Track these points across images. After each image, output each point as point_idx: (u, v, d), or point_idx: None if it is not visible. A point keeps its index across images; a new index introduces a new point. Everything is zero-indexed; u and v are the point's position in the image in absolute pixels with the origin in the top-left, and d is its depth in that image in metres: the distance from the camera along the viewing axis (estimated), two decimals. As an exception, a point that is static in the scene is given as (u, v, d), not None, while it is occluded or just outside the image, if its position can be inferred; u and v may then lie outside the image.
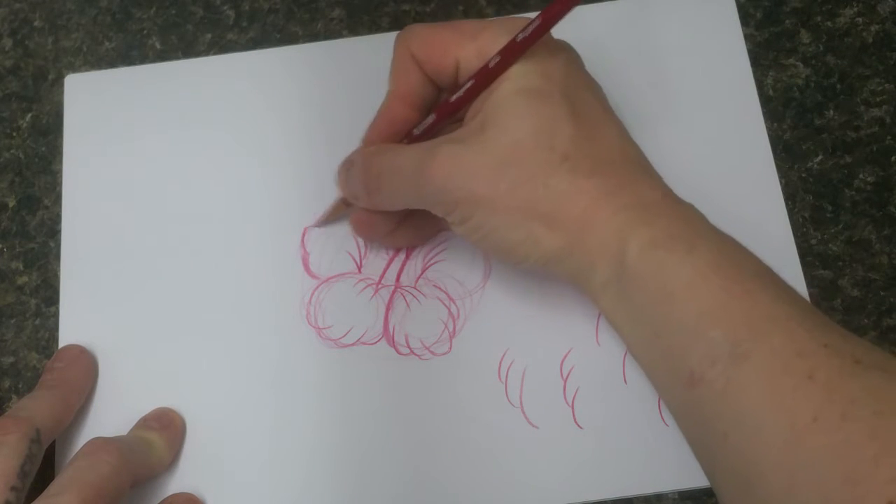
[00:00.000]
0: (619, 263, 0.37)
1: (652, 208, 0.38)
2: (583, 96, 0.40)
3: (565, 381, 0.46)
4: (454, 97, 0.41)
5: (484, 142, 0.39)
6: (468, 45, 0.41)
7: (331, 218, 0.49)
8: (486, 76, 0.40)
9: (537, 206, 0.38)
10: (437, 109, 0.42)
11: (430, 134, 0.43)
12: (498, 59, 0.39)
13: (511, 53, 0.39)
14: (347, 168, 0.45)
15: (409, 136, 0.44)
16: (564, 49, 0.42)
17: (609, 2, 0.52)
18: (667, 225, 0.37)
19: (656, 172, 0.41)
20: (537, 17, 0.38)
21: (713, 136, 0.49)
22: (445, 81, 0.43)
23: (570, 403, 0.45)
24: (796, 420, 0.32)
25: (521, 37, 0.38)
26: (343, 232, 0.49)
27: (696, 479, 0.43)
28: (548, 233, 0.39)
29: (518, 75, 0.39)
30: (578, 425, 0.45)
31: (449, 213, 0.41)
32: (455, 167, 0.39)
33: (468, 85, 0.41)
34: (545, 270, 0.40)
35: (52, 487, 0.40)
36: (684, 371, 0.35)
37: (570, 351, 0.46)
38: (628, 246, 0.37)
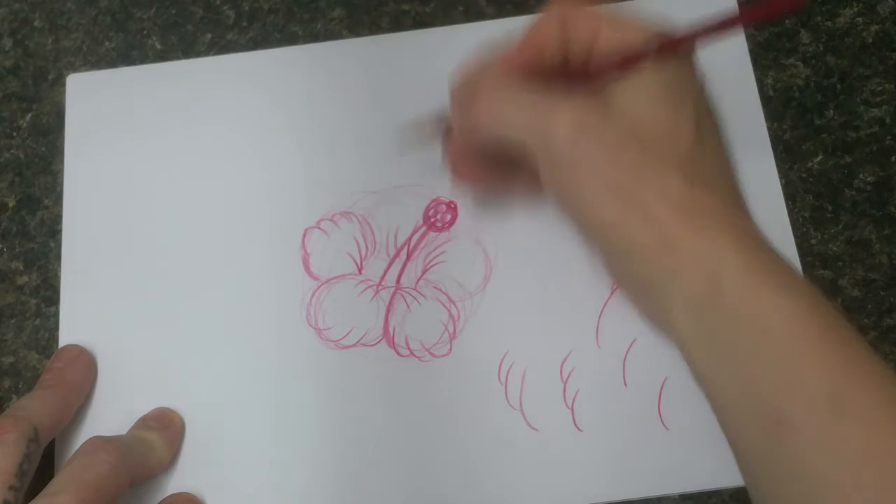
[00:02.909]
0: (712, 285, 0.36)
1: (750, 239, 0.37)
2: (709, 116, 0.40)
3: (565, 384, 0.46)
4: (596, 61, 0.40)
5: (615, 112, 0.38)
6: (613, 27, 0.40)
7: (416, 142, 0.48)
8: (634, 59, 0.39)
9: (644, 195, 0.37)
10: (661, 42, 0.40)
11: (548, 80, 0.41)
12: (655, 48, 0.39)
13: (669, 47, 0.39)
14: (464, 84, 0.43)
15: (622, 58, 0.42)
16: (703, 75, 0.41)
17: (611, 3, 0.52)
18: (766, 259, 0.36)
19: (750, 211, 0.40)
20: (699, 26, 0.38)
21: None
22: (578, 49, 0.41)
23: (570, 406, 0.45)
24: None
25: (685, 35, 0.38)
26: (344, 233, 0.49)
27: (695, 482, 0.43)
28: (642, 224, 0.37)
29: (663, 70, 0.39)
30: (578, 428, 0.45)
31: (546, 164, 0.39)
32: (582, 121, 0.38)
33: (619, 57, 0.40)
34: (620, 263, 0.39)
35: (51, 486, 0.40)
36: (771, 410, 0.34)
37: (570, 353, 0.46)
38: (725, 270, 0.36)
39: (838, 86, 0.51)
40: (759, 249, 0.37)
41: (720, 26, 0.37)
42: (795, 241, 0.48)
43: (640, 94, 0.39)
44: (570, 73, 0.41)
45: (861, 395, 0.33)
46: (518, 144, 0.40)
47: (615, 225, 0.38)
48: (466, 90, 0.43)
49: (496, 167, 0.45)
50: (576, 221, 0.41)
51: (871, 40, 0.51)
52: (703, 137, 0.39)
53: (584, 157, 0.38)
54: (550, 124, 0.39)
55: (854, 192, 0.49)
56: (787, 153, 0.49)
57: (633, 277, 0.39)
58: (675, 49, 0.38)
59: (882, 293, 0.47)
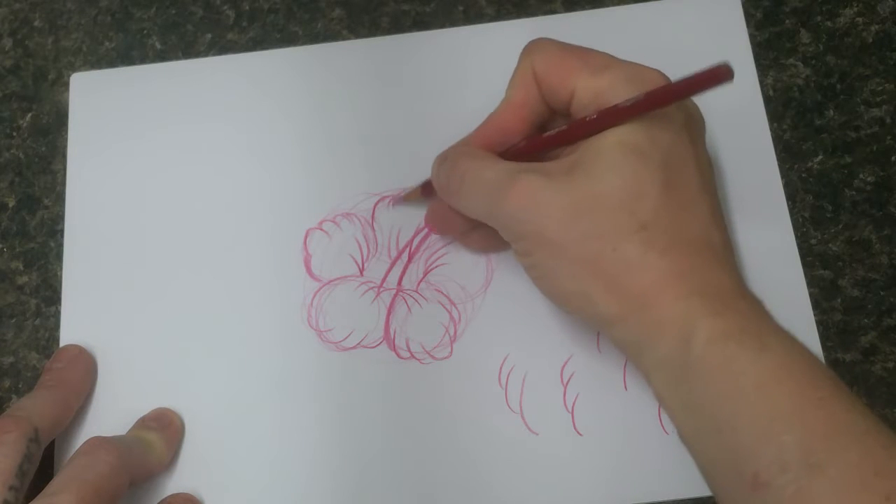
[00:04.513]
0: (682, 348, 0.36)
1: (722, 298, 0.36)
2: (684, 169, 0.38)
3: (565, 388, 0.46)
4: (546, 134, 0.41)
5: (568, 183, 0.38)
6: (588, 79, 0.39)
7: (407, 200, 0.49)
8: (581, 128, 0.39)
9: (601, 266, 0.37)
10: (529, 140, 0.42)
11: (518, 157, 0.42)
12: (594, 117, 0.38)
13: (607, 117, 0.38)
14: (442, 161, 0.44)
15: (508, 149, 0.43)
16: (686, 114, 0.40)
17: (616, 6, 0.52)
18: (738, 318, 0.36)
19: (734, 261, 0.39)
20: (643, 94, 0.37)
21: (717, 137, 0.49)
22: (558, 105, 0.41)
23: (570, 410, 0.45)
24: None
25: (622, 105, 0.37)
26: (346, 234, 0.49)
27: (695, 487, 0.43)
28: (605, 295, 0.37)
29: (624, 128, 0.38)
30: (578, 432, 0.45)
31: (514, 242, 0.40)
32: (532, 200, 0.38)
33: (561, 128, 0.40)
34: (595, 328, 0.39)
35: (51, 486, 0.40)
36: (748, 472, 0.34)
37: (570, 357, 0.46)
38: (696, 333, 0.35)
39: (838, 86, 0.51)
40: (731, 310, 0.36)
41: (706, 80, 0.35)
42: (796, 241, 0.47)
43: (603, 156, 0.38)
44: (540, 141, 0.41)
45: (835, 452, 0.33)
46: (490, 223, 0.41)
47: (577, 296, 0.38)
48: (443, 158, 0.43)
49: (472, 226, 0.45)
50: (544, 294, 0.41)
51: (871, 40, 0.51)
52: (673, 191, 0.38)
53: (533, 230, 0.38)
54: (504, 199, 0.39)
55: (854, 192, 0.49)
56: (787, 153, 0.49)
57: (607, 338, 0.40)
58: (652, 104, 0.37)
59: (882, 293, 0.47)
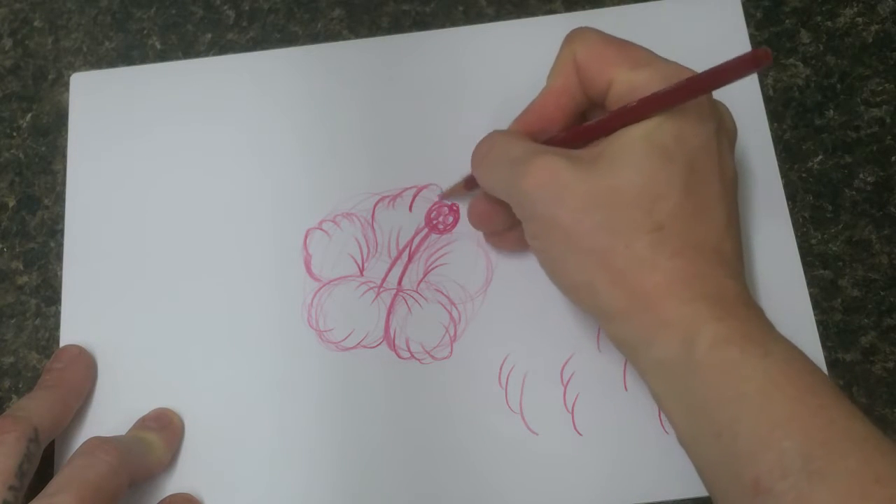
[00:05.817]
0: (684, 350, 0.36)
1: (726, 304, 0.36)
2: (706, 175, 0.38)
3: (565, 388, 0.46)
4: (586, 123, 0.41)
5: (589, 172, 0.38)
6: (626, 73, 0.39)
7: (451, 195, 0.49)
8: (621, 117, 0.38)
9: (610, 260, 0.37)
10: (569, 130, 0.42)
11: (558, 146, 0.41)
12: (634, 104, 0.38)
13: (647, 106, 0.37)
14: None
15: (549, 139, 0.42)
16: (718, 119, 0.40)
17: (616, 6, 0.52)
18: (741, 324, 0.36)
19: (742, 272, 0.39)
20: (685, 80, 0.37)
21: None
22: (596, 96, 0.41)
23: (571, 410, 0.45)
24: None
25: (661, 92, 0.37)
26: (346, 234, 0.49)
27: (695, 488, 0.43)
28: (611, 289, 0.37)
29: (653, 125, 0.37)
30: (578, 432, 0.45)
31: (525, 221, 0.40)
32: (550, 181, 0.38)
33: (601, 118, 0.40)
34: (596, 320, 0.39)
35: (51, 486, 0.40)
36: (748, 477, 0.34)
37: (570, 357, 0.46)
38: (699, 337, 0.35)
39: (838, 86, 0.51)
40: (734, 316, 0.36)
41: (738, 68, 0.34)
42: (796, 240, 0.47)
43: (628, 151, 0.38)
44: (579, 131, 0.41)
45: (835, 459, 0.33)
46: (507, 199, 0.41)
47: (582, 287, 0.38)
48: (482, 142, 0.43)
49: (509, 225, 0.45)
50: (550, 278, 0.41)
51: (871, 40, 0.51)
52: (693, 195, 0.38)
53: (546, 212, 0.38)
54: (520, 181, 0.39)
55: (854, 192, 0.49)
56: (787, 153, 0.49)
57: (606, 333, 0.40)
58: (694, 91, 0.37)
59: (882, 293, 0.47)
